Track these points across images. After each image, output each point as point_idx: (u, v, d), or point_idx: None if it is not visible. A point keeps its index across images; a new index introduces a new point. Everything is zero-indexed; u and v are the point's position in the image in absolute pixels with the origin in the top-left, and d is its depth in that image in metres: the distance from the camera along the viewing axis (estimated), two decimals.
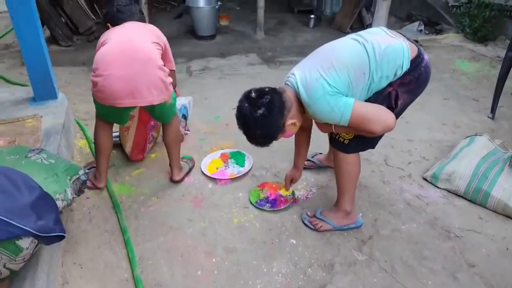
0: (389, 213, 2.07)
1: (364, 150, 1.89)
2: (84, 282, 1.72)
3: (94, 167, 2.33)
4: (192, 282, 1.72)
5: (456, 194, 2.20)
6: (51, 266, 1.62)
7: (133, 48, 1.94)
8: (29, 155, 1.74)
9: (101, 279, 1.74)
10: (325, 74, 1.59)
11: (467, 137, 2.52)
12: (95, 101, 2.08)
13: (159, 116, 2.20)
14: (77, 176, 1.81)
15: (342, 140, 1.80)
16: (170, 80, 2.05)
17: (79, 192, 1.84)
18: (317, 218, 1.97)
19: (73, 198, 1.66)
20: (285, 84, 1.74)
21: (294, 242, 1.91)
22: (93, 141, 2.57)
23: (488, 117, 3.08)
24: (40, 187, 1.35)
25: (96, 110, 2.16)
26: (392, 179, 2.33)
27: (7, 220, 1.17)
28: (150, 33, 2.06)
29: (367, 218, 2.02)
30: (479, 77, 3.88)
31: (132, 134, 2.50)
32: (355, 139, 1.76)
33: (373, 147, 1.88)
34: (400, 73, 1.64)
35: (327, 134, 2.28)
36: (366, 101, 1.68)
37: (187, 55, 4.49)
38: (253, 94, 1.64)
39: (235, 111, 1.70)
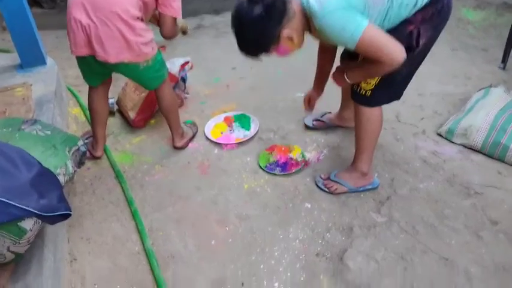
0: (405, 172, 1.99)
1: (389, 101, 1.76)
2: (94, 258, 1.64)
3: (92, 136, 2.20)
4: (207, 253, 1.65)
5: (472, 149, 2.11)
6: (57, 244, 1.53)
7: None
8: (23, 127, 1.61)
9: (110, 254, 1.67)
10: None
11: (481, 89, 2.41)
12: None
13: (136, 80, 2.01)
14: (76, 147, 1.69)
15: (363, 93, 1.68)
16: (142, 39, 1.75)
17: (79, 164, 1.73)
18: (331, 180, 1.89)
19: (74, 171, 1.55)
20: None
21: (309, 206, 1.83)
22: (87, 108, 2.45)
23: (499, 67, 2.95)
24: (39, 163, 1.23)
25: None
26: (406, 136, 2.23)
27: (6, 201, 1.06)
28: None
29: (383, 178, 1.94)
30: (485, 26, 3.70)
31: (143, 98, 2.35)
32: (378, 89, 1.64)
33: (399, 98, 1.76)
34: (421, 3, 1.49)
35: (339, 90, 2.18)
36: None
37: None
38: None
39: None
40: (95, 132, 2.12)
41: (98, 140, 2.14)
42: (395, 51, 1.45)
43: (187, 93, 2.72)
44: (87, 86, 2.07)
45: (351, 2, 1.43)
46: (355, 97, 1.74)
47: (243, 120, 2.42)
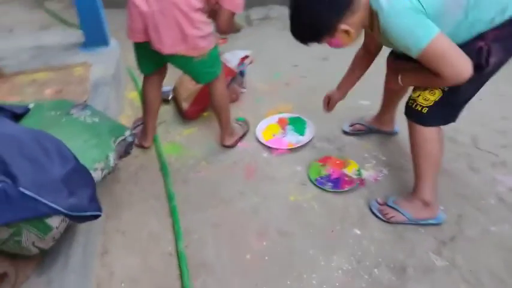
0: (477, 209, 1.72)
1: (446, 123, 1.56)
2: (125, 253, 1.60)
3: (143, 123, 2.17)
4: (239, 267, 1.53)
5: None
6: (90, 235, 1.49)
7: None
8: (72, 112, 1.57)
9: (142, 251, 1.61)
10: None
11: None
12: None
13: (188, 72, 1.92)
14: (123, 137, 1.64)
15: (419, 108, 1.49)
16: (200, 32, 1.67)
17: (125, 153, 1.68)
18: (389, 206, 1.68)
19: (116, 164, 1.49)
20: None
21: (359, 232, 1.65)
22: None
23: None
24: (75, 158, 1.17)
25: None
26: (482, 166, 1.94)
27: (34, 197, 1.01)
28: None
29: (449, 213, 1.69)
30: None
31: (198, 89, 2.28)
32: (437, 107, 1.46)
33: (454, 120, 1.56)
34: (499, 21, 1.31)
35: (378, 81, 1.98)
36: None
37: (246, 1, 4.11)
38: None
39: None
40: (146, 122, 2.09)
41: (148, 131, 2.10)
42: (463, 67, 1.30)
43: (244, 88, 2.61)
44: None
45: (424, 6, 1.27)
46: (408, 113, 1.56)
47: (297, 124, 2.26)
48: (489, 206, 1.74)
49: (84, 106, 1.65)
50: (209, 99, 2.05)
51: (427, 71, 1.37)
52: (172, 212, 1.76)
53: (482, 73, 1.39)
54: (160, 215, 1.77)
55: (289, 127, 2.25)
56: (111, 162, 1.45)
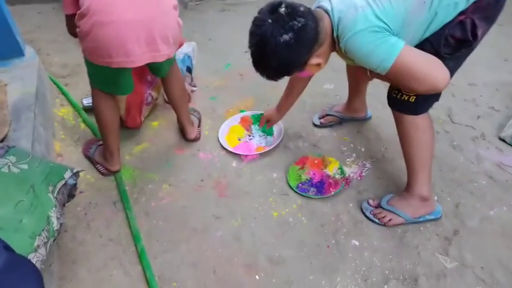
0: (471, 193, 1.62)
1: (432, 105, 1.42)
2: None
3: (100, 144, 1.83)
4: None
5: None
6: None
7: None
8: None
9: None
10: (374, 1, 1.18)
11: None
12: (87, 63, 1.50)
13: (155, 68, 1.68)
14: (63, 181, 1.32)
15: (406, 98, 1.35)
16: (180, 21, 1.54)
17: (69, 198, 1.36)
18: (383, 208, 1.53)
19: (61, 224, 1.17)
20: (316, 8, 1.31)
21: (357, 243, 1.48)
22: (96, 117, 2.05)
23: None
24: (8, 247, 0.85)
25: (90, 77, 1.58)
26: (463, 142, 1.85)
27: None
28: None
29: (445, 203, 1.58)
30: None
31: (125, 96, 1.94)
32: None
33: (438, 99, 1.41)
34: None
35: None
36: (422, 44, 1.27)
37: None
38: (283, 9, 1.19)
39: (248, 55, 1.28)
40: (109, 142, 1.73)
41: (113, 152, 1.75)
42: (437, 78, 1.20)
43: (195, 86, 2.30)
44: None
45: (385, 21, 1.17)
46: (394, 104, 1.41)
47: None
48: (482, 187, 1.65)
49: (7, 149, 1.29)
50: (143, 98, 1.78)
51: None
52: (141, 257, 1.48)
53: (471, 47, 1.28)
54: (125, 263, 1.47)
55: (254, 127, 2.01)
56: (55, 223, 1.13)
